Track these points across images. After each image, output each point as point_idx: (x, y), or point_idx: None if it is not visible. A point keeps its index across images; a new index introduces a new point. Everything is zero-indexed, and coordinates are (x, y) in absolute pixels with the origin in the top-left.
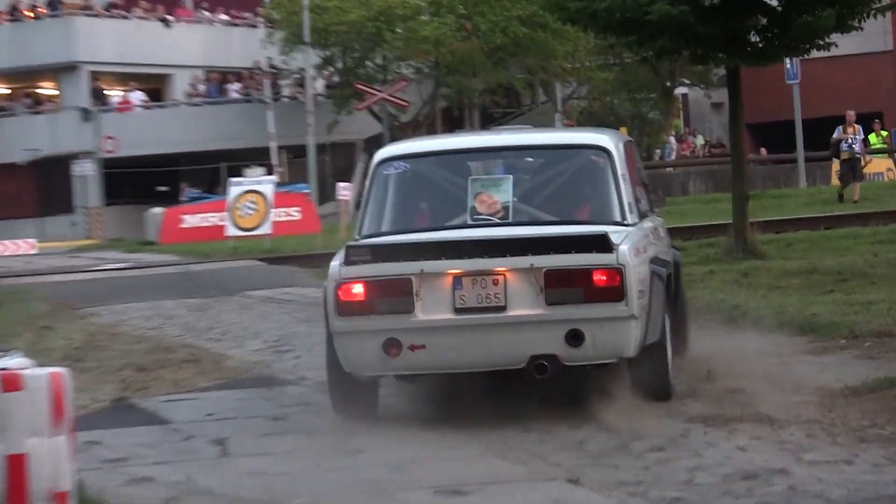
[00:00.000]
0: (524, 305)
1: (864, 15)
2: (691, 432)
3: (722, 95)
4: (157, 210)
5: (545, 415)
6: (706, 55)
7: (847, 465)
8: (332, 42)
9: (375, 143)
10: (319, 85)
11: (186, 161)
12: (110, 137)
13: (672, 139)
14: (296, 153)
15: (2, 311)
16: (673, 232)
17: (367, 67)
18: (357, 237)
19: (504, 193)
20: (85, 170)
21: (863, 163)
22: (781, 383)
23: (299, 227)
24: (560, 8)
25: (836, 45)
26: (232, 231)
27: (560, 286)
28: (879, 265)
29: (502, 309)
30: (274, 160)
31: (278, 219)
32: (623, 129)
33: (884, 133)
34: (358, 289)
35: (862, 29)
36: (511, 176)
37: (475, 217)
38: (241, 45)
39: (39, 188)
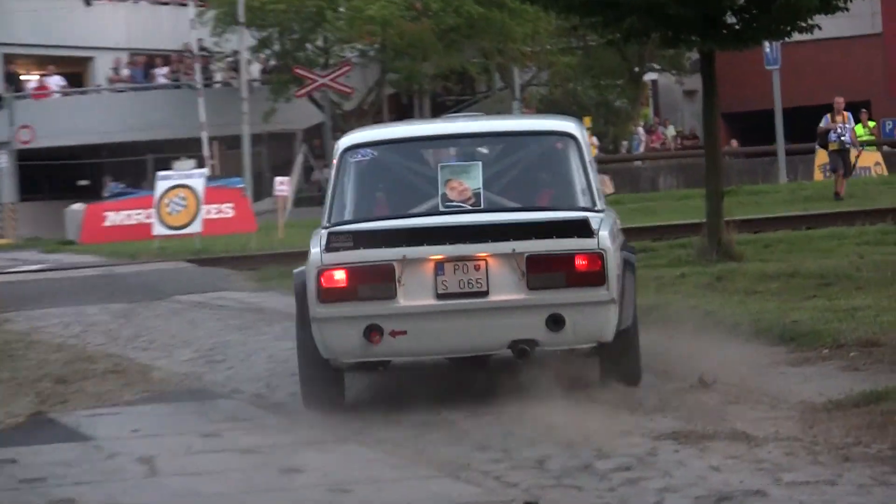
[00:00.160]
0: (506, 290)
1: None
2: (661, 450)
3: (695, 82)
4: (78, 206)
5: (501, 430)
6: (678, 38)
7: (830, 485)
8: (268, 22)
9: (316, 133)
10: (255, 69)
11: (109, 153)
12: (25, 126)
13: (640, 130)
14: (229, 144)
15: None
16: (641, 231)
17: (307, 50)
18: (327, 225)
19: (474, 180)
20: None
21: (855, 155)
22: (759, 397)
23: (233, 225)
24: None
25: (820, 28)
26: (159, 229)
27: (542, 271)
28: (866, 268)
29: (484, 294)
30: (205, 152)
31: (210, 216)
32: (587, 119)
33: (871, 124)
34: (340, 275)
35: (848, 10)
36: (480, 163)
37: (447, 204)
38: (170, 25)
39: None
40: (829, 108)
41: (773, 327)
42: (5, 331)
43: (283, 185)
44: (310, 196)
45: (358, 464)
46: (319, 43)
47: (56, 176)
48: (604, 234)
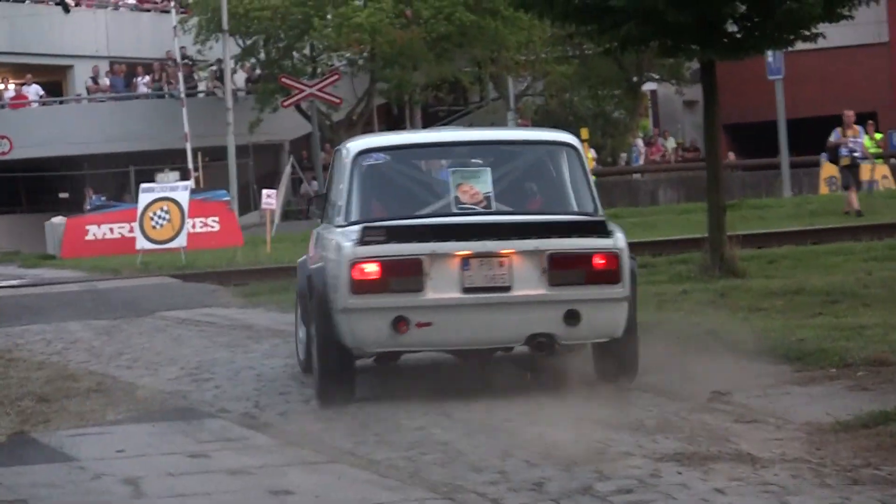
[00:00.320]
0: (528, 286)
1: (856, 1)
2: (663, 472)
3: (695, 93)
4: (58, 220)
5: (498, 451)
6: (677, 47)
7: None
8: (253, 30)
9: (304, 144)
10: (240, 78)
11: (91, 164)
12: (3, 137)
13: (639, 141)
14: (214, 155)
15: None
16: (642, 246)
17: (293, 59)
18: (342, 223)
19: (484, 184)
20: None
21: (870, 168)
22: (764, 417)
23: (218, 239)
24: None
25: (824, 36)
26: (143, 244)
27: (562, 268)
28: (873, 285)
29: (507, 289)
30: (189, 164)
31: (195, 230)
32: (584, 131)
33: (878, 136)
34: (372, 267)
35: (853, 18)
36: (489, 168)
37: (459, 206)
38: (151, 32)
39: None
40: (833, 119)
41: (778, 346)
42: None
43: (271, 198)
44: (298, 209)
45: (350, 485)
46: (306, 51)
47: (35, 188)
48: (619, 234)
